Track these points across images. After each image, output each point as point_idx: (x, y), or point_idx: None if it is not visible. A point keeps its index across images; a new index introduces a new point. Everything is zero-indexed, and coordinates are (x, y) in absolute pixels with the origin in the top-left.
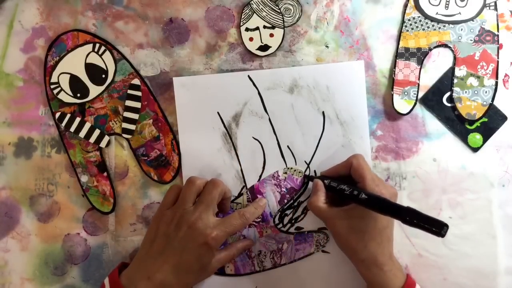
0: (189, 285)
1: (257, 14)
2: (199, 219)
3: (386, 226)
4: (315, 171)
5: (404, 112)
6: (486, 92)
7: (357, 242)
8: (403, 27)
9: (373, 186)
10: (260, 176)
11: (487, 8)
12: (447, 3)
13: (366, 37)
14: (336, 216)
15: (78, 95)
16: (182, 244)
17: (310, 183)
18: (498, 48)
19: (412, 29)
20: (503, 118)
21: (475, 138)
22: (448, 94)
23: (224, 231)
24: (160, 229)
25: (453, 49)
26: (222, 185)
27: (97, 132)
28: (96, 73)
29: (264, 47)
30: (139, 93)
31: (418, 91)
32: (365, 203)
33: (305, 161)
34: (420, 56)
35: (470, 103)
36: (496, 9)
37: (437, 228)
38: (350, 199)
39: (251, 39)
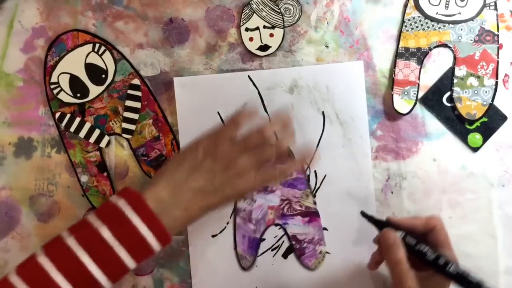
0: (208, 205)
1: (257, 14)
2: (248, 171)
3: None
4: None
5: (404, 112)
6: (486, 92)
7: None
8: (403, 27)
9: (453, 257)
10: None
11: (487, 8)
12: (447, 3)
13: (366, 37)
14: (417, 282)
15: (78, 95)
16: (223, 187)
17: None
18: (498, 48)
19: (412, 29)
20: (503, 118)
21: (475, 138)
22: (448, 94)
23: (259, 181)
24: (206, 162)
25: (453, 49)
26: (273, 150)
27: (97, 132)
28: (96, 73)
29: (264, 47)
30: (139, 93)
31: (418, 91)
32: (453, 277)
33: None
34: (420, 56)
35: (470, 103)
36: (496, 9)
37: None
38: (430, 266)
39: (251, 39)
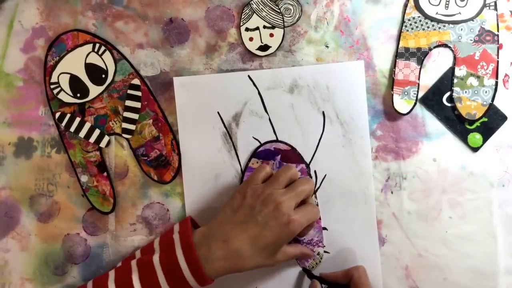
0: (257, 264)
1: (257, 14)
2: (287, 202)
3: None
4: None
5: (404, 112)
6: (486, 92)
7: None
8: (403, 27)
9: None
10: None
11: (487, 8)
12: (447, 3)
13: (366, 37)
14: None
15: (78, 95)
16: (265, 220)
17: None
18: (498, 48)
19: (412, 29)
20: (503, 118)
21: (475, 138)
22: (448, 94)
23: (304, 216)
24: (246, 200)
25: (453, 49)
26: (312, 187)
27: (97, 132)
28: (96, 73)
29: (264, 47)
30: (139, 93)
31: (418, 91)
32: None
33: (305, 161)
34: (420, 56)
35: (470, 103)
36: (496, 9)
37: None
38: None
39: (251, 39)
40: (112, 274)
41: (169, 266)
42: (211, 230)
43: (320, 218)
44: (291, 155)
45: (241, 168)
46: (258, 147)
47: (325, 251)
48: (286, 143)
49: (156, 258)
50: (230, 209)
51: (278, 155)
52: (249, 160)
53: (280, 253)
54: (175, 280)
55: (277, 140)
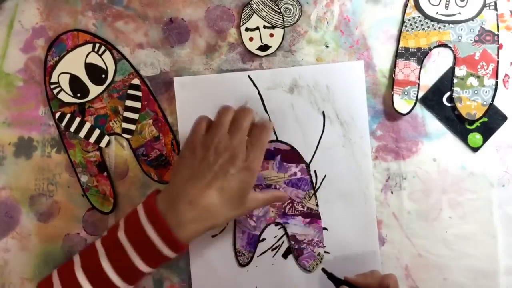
0: (229, 217)
1: (257, 14)
2: (238, 145)
3: None
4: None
5: (404, 112)
6: (486, 92)
7: None
8: (403, 27)
9: None
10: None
11: (487, 8)
12: (447, 3)
13: (366, 37)
14: None
15: (78, 95)
16: (224, 170)
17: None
18: (498, 48)
19: (412, 29)
20: (503, 118)
21: (475, 138)
22: (448, 94)
23: (259, 148)
24: (197, 154)
25: (453, 49)
26: (252, 115)
27: (97, 132)
28: (96, 73)
29: (264, 47)
30: (139, 93)
31: (418, 91)
32: None
33: (305, 161)
34: (420, 56)
35: (470, 103)
36: (496, 9)
37: None
38: None
39: (251, 39)
40: (77, 259)
41: (137, 239)
42: (173, 193)
43: (320, 218)
44: (291, 155)
45: None
46: None
47: (325, 251)
48: (286, 143)
49: (121, 234)
50: (184, 167)
51: (278, 155)
52: None
53: (250, 201)
54: (147, 253)
55: (277, 140)
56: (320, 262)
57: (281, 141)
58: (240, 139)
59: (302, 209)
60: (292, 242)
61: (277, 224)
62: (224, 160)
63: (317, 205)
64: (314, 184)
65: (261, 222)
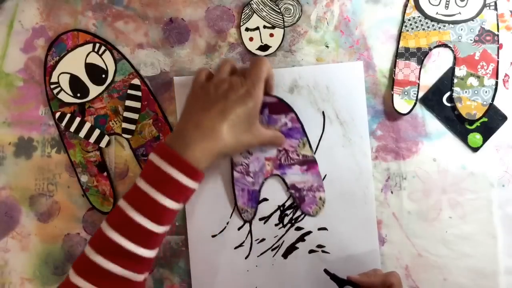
0: (235, 140)
1: (257, 14)
2: (237, 79)
3: None
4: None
5: (404, 112)
6: (486, 92)
7: None
8: (403, 27)
9: None
10: None
11: (487, 8)
12: (447, 3)
13: (366, 37)
14: None
15: (78, 95)
16: (224, 95)
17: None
18: (498, 48)
19: (412, 29)
20: (503, 118)
21: (475, 138)
22: (448, 94)
23: (256, 75)
24: (199, 95)
25: (453, 49)
26: (268, 63)
27: (97, 132)
28: (96, 73)
29: (264, 47)
30: (139, 93)
31: (418, 91)
32: None
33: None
34: (420, 56)
35: (470, 103)
36: (496, 9)
37: None
38: None
39: (251, 39)
40: (104, 224)
41: (154, 178)
42: (180, 126)
43: (316, 163)
44: (279, 106)
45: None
46: None
47: (325, 251)
48: (271, 95)
49: (139, 181)
50: (187, 108)
51: (265, 108)
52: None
53: (256, 130)
54: (167, 187)
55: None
56: (323, 206)
57: (266, 94)
58: (238, 77)
59: (297, 157)
60: (293, 191)
61: (275, 175)
62: (223, 89)
63: (311, 151)
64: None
65: (259, 177)
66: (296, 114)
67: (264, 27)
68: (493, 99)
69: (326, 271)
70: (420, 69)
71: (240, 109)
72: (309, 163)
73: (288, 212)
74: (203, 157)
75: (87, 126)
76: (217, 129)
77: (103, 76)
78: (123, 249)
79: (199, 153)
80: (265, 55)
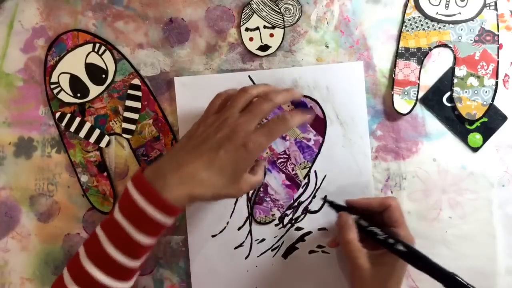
0: (215, 191)
1: (257, 14)
2: (243, 124)
3: (405, 271)
4: (328, 199)
5: (404, 112)
6: (486, 92)
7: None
8: (403, 27)
9: (407, 235)
10: None
11: (487, 8)
12: (447, 3)
13: (366, 37)
14: (368, 260)
15: (78, 95)
16: (219, 143)
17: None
18: (498, 48)
19: (412, 29)
20: (503, 118)
21: (475, 138)
22: (448, 94)
23: (263, 134)
24: (199, 129)
25: (453, 49)
26: (275, 100)
27: (97, 132)
28: (96, 73)
29: (264, 47)
30: (139, 93)
31: (418, 91)
32: (402, 255)
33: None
34: (420, 56)
35: (470, 103)
36: (496, 9)
37: None
38: (381, 245)
39: (251, 39)
40: (81, 250)
41: (130, 211)
42: (164, 162)
43: (297, 189)
44: (319, 123)
45: None
46: None
47: (325, 252)
48: (323, 111)
49: (116, 213)
50: (184, 139)
51: (311, 114)
52: None
53: (243, 182)
54: (142, 223)
55: (316, 102)
56: (271, 221)
57: (321, 108)
58: (248, 120)
59: (290, 171)
60: (261, 189)
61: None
62: (223, 135)
63: (305, 178)
64: (315, 184)
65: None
66: (322, 143)
67: (264, 27)
68: (493, 99)
69: (325, 198)
70: (420, 69)
71: (230, 161)
72: (293, 183)
73: (288, 212)
74: (180, 199)
75: (87, 126)
76: (197, 177)
77: (103, 76)
78: (98, 284)
79: (177, 195)
80: (265, 55)
